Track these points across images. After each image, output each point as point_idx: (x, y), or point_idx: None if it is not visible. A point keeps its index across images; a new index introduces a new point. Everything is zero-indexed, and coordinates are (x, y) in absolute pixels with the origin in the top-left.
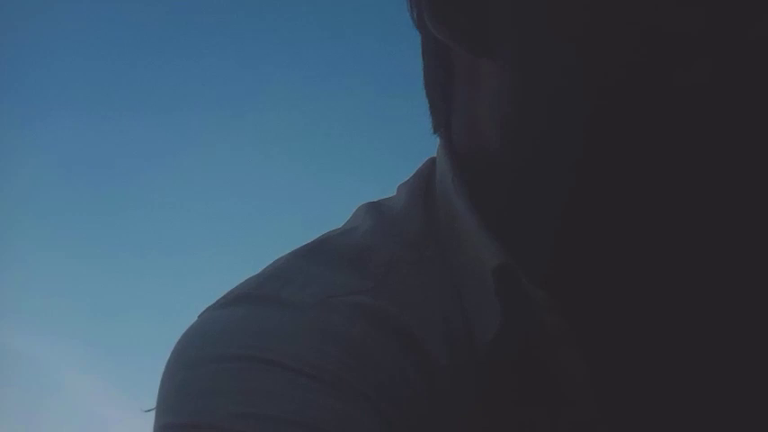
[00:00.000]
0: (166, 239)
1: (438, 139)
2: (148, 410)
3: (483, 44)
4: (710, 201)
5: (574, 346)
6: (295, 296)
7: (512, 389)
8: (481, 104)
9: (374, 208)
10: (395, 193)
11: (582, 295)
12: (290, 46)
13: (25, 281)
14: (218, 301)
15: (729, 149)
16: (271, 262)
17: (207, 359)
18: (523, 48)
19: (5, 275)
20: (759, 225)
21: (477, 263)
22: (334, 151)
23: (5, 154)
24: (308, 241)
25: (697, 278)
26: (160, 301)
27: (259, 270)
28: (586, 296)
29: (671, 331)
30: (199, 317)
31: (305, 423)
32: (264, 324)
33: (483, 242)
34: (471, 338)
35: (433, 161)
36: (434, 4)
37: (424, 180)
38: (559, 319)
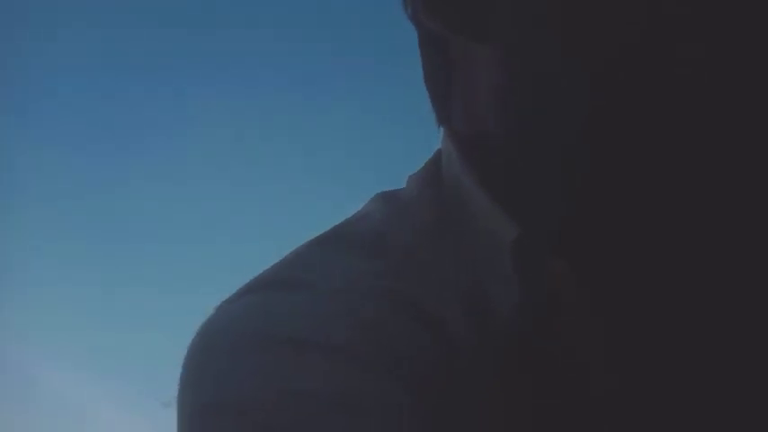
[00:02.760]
0: (189, 263)
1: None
2: (168, 403)
3: (479, 31)
4: (720, 168)
5: (592, 316)
6: (320, 281)
7: (532, 362)
8: (480, 89)
9: (388, 197)
10: (406, 184)
11: (596, 267)
12: (287, 46)
13: (44, 308)
14: (238, 291)
15: (727, 128)
16: (288, 252)
17: (238, 343)
18: (523, 32)
19: (24, 300)
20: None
21: (492, 240)
22: (335, 153)
23: (23, 176)
24: (323, 231)
25: (714, 253)
26: (181, 323)
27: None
28: (600, 267)
29: (690, 300)
30: (220, 306)
31: (343, 401)
32: (293, 307)
33: (496, 219)
34: (493, 317)
35: (440, 151)
36: None
37: (434, 168)
38: (577, 290)
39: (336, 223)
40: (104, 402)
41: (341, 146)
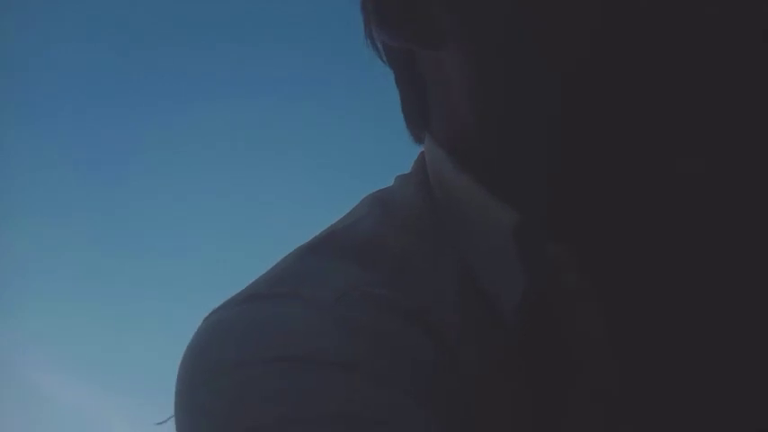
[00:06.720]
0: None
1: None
2: (161, 422)
3: (434, 37)
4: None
5: (593, 300)
6: (315, 292)
7: (534, 354)
8: (453, 91)
9: (379, 200)
10: (393, 184)
11: (596, 249)
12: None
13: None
14: (228, 303)
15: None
16: (278, 260)
17: (237, 364)
18: (475, 31)
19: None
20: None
21: (492, 233)
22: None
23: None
24: (314, 236)
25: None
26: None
27: (266, 269)
28: (600, 250)
29: (691, 286)
30: (208, 320)
31: (353, 415)
32: (289, 322)
33: (495, 212)
34: (494, 319)
35: (424, 156)
36: (379, 14)
37: (422, 171)
38: (578, 274)
39: (326, 227)
40: (109, 414)
41: (336, 146)
